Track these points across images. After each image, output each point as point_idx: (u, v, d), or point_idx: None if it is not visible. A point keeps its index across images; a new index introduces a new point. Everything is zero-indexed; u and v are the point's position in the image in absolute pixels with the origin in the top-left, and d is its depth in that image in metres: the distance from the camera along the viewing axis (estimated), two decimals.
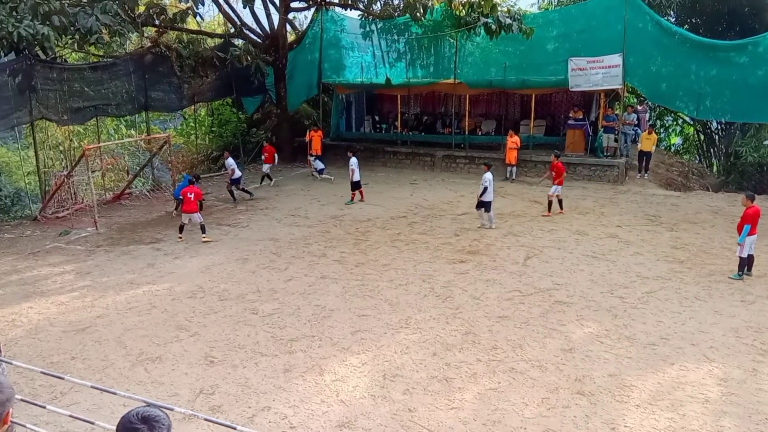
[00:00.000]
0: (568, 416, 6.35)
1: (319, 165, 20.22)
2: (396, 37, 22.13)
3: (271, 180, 19.26)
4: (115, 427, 2.34)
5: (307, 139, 22.13)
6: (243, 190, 17.38)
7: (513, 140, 18.46)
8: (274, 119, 24.75)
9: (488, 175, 13.37)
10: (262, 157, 19.64)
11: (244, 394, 6.89)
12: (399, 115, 23.09)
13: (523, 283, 10.31)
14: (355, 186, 16.54)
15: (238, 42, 21.86)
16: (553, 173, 14.72)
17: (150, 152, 19.62)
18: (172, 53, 19.44)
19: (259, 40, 21.90)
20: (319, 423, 6.29)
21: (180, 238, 13.23)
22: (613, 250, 12.04)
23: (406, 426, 6.21)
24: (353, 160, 16.23)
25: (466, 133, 21.52)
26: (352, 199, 16.57)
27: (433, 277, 10.64)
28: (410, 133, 23.08)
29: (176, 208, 15.18)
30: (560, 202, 14.95)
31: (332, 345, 8.08)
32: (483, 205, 13.58)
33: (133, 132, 23.20)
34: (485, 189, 13.31)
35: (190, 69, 19.91)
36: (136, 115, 21.10)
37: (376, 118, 24.89)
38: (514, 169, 19.00)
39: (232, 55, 20.10)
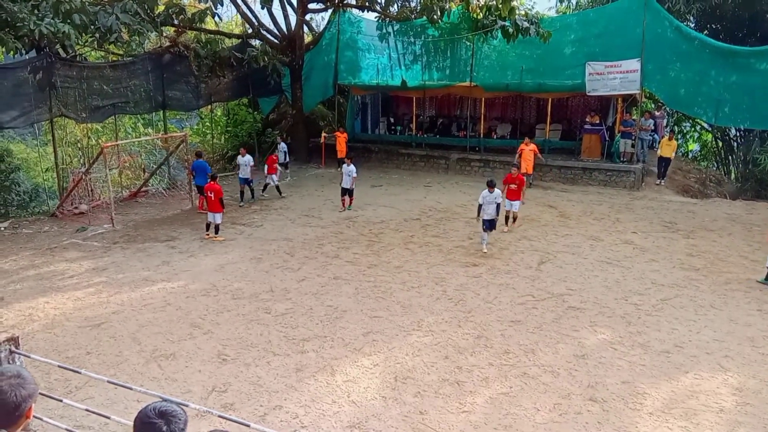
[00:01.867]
0: (580, 422, 6.31)
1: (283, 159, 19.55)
2: (412, 39, 22.18)
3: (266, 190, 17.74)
4: (131, 422, 2.37)
5: (322, 140, 22.26)
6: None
7: (530, 148, 17.31)
8: (289, 120, 24.91)
9: (498, 192, 12.18)
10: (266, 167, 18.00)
11: (256, 392, 6.93)
12: (414, 117, 23.13)
13: (536, 287, 10.26)
14: (349, 192, 15.93)
15: (256, 42, 22.02)
16: (512, 187, 13.62)
17: (167, 151, 19.80)
18: (190, 53, 19.63)
19: (276, 41, 22.03)
20: (329, 423, 6.31)
21: (208, 235, 13.44)
22: (628, 256, 11.95)
23: (417, 428, 6.21)
24: (352, 168, 15.82)
25: (481, 136, 21.47)
26: (350, 203, 16.04)
27: (445, 280, 10.63)
28: (425, 135, 23.05)
29: (201, 204, 15.38)
30: (511, 217, 13.99)
31: (344, 346, 8.10)
32: (492, 225, 12.31)
33: (150, 130, 23.40)
34: (498, 206, 12.22)
35: (207, 69, 20.09)
36: (154, 114, 21.29)
37: (391, 120, 24.97)
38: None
39: (249, 56, 20.26)
